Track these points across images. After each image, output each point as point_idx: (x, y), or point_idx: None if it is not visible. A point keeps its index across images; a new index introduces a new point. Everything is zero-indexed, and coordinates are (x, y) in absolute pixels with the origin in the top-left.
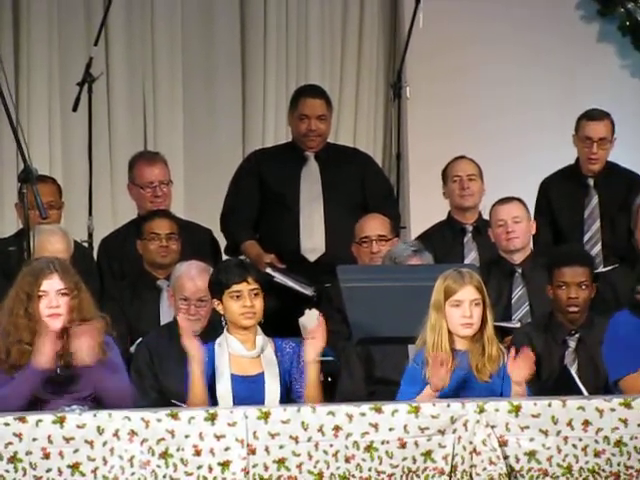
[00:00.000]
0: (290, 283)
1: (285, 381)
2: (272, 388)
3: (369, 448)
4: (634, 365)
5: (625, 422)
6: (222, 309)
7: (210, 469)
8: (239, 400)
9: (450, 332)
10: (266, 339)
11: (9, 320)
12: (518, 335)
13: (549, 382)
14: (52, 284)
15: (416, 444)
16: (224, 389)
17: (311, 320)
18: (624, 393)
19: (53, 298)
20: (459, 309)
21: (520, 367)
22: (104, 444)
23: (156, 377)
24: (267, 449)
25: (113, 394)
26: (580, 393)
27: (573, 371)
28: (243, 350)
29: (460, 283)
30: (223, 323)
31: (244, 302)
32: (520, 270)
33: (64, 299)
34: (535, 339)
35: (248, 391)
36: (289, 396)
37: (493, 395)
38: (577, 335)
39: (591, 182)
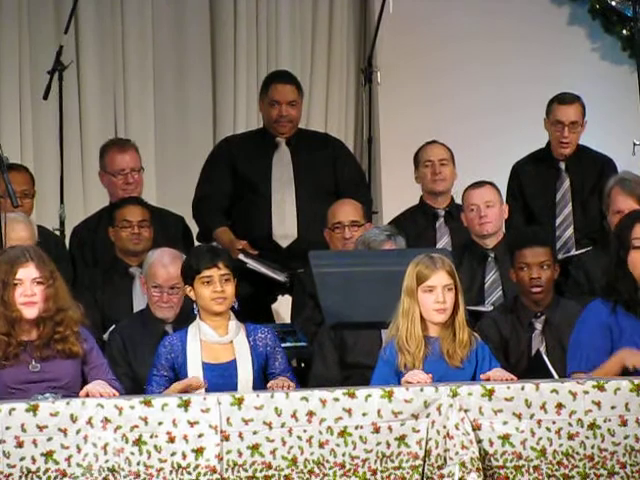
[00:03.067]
0: (263, 269)
1: (259, 365)
2: (244, 374)
3: (343, 433)
4: (589, 363)
5: (598, 405)
6: (194, 295)
7: (184, 456)
8: (211, 387)
9: (422, 318)
10: (239, 324)
11: None
12: (485, 320)
13: (519, 366)
14: (28, 272)
15: (390, 429)
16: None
17: None
18: None
19: (28, 287)
20: (432, 294)
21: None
22: (77, 432)
23: (129, 365)
24: (241, 435)
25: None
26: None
27: (544, 356)
28: (215, 336)
29: (432, 269)
30: (195, 310)
31: (214, 287)
32: (493, 254)
33: (39, 287)
34: (501, 323)
35: (220, 378)
36: (267, 378)
37: (465, 380)
38: (543, 317)
39: (562, 165)
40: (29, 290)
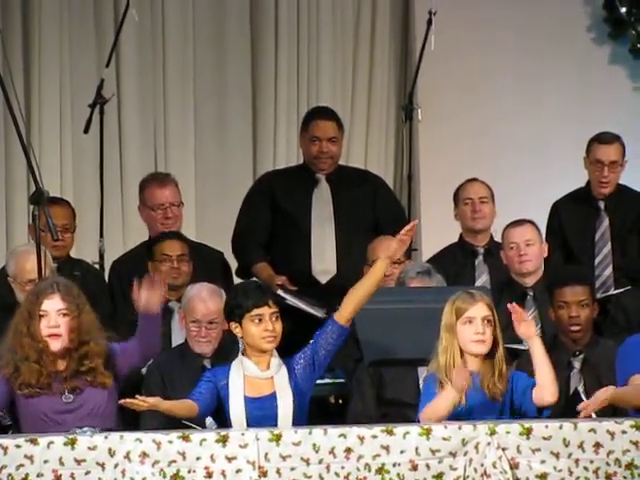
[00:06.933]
0: (301, 305)
1: (299, 398)
2: (284, 408)
3: (380, 470)
4: None
5: (636, 444)
6: (240, 332)
7: None
8: (252, 420)
9: (462, 353)
10: (280, 362)
11: (14, 338)
12: (523, 358)
13: (557, 405)
14: (53, 304)
15: (427, 466)
16: (238, 412)
17: None
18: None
19: (53, 318)
20: (471, 326)
21: (523, 323)
22: (115, 466)
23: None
24: (278, 471)
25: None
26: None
27: (583, 395)
28: (257, 371)
29: (470, 301)
30: (240, 346)
31: (266, 326)
32: (532, 293)
33: (64, 319)
34: None
35: (260, 410)
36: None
37: (506, 414)
38: (581, 356)
39: (602, 205)
40: (53, 321)
